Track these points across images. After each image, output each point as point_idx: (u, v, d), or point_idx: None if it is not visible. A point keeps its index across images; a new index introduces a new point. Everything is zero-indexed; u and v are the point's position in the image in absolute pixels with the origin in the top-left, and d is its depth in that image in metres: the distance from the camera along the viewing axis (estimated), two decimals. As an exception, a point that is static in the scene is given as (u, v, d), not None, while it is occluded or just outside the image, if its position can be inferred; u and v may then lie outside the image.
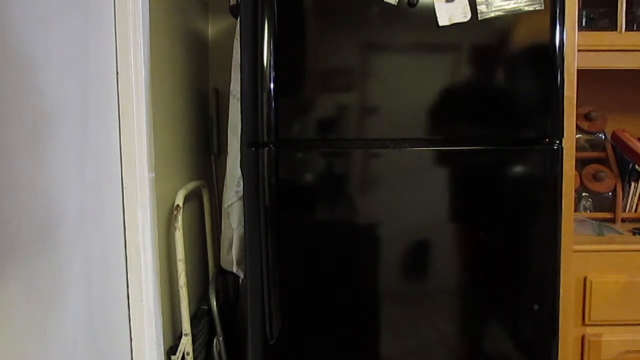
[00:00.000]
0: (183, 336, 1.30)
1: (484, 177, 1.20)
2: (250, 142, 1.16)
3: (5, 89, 0.69)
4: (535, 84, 1.19)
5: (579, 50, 1.31)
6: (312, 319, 1.21)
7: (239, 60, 1.16)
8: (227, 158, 1.39)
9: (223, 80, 1.60)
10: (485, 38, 1.17)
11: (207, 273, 1.64)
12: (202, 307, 1.51)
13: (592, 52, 1.52)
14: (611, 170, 1.76)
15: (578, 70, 1.31)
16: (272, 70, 1.12)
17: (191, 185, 1.42)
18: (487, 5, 1.15)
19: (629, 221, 1.74)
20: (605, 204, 1.77)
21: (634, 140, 1.75)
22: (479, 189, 1.21)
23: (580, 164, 1.78)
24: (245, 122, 1.16)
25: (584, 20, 1.69)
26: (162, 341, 1.18)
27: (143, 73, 1.09)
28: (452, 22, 1.14)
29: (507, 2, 1.15)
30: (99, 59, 1.00)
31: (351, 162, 1.19)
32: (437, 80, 1.17)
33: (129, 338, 1.11)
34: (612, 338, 1.42)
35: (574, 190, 1.35)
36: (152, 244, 1.13)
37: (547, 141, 1.20)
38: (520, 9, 1.16)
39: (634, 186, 1.75)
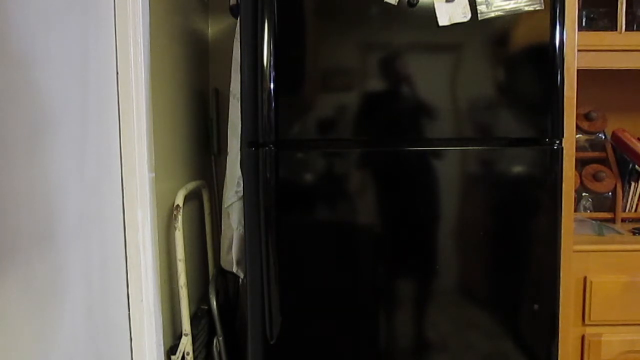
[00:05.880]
0: (183, 336, 1.30)
1: (484, 177, 1.20)
2: (250, 142, 1.16)
3: (5, 88, 0.69)
4: (535, 84, 1.19)
5: (579, 50, 1.30)
6: (312, 319, 1.21)
7: (239, 60, 1.16)
8: (227, 158, 1.39)
9: (223, 80, 1.60)
10: (485, 38, 1.17)
11: (207, 273, 1.64)
12: (202, 307, 1.51)
13: (592, 52, 1.52)
14: (611, 170, 1.76)
15: (578, 70, 1.31)
16: (272, 70, 1.12)
17: (191, 185, 1.42)
18: (487, 5, 1.15)
19: (629, 221, 1.74)
20: (605, 204, 1.77)
21: (634, 140, 1.75)
22: (479, 189, 1.21)
23: (580, 164, 1.78)
24: (245, 122, 1.16)
25: (584, 20, 1.68)
26: (162, 341, 1.18)
27: (143, 73, 1.08)
28: (452, 22, 1.14)
29: (507, 2, 1.15)
30: (99, 58, 1.00)
31: (351, 162, 1.19)
32: (437, 81, 1.17)
33: (129, 338, 1.11)
34: (612, 338, 1.42)
35: (574, 190, 1.35)
36: (152, 244, 1.13)
37: (547, 141, 1.20)
38: (520, 9, 1.16)
39: (634, 186, 1.75)
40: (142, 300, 1.11)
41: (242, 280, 1.45)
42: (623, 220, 1.74)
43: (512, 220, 1.21)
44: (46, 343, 0.80)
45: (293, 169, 1.17)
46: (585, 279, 1.40)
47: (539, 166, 1.21)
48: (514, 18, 1.16)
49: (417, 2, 1.14)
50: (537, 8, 1.16)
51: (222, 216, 1.45)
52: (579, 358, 1.43)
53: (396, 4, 1.14)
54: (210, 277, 1.60)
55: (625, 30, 1.56)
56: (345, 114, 1.17)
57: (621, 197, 1.74)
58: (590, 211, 1.77)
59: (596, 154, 1.81)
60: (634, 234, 1.57)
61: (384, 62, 1.17)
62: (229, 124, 1.39)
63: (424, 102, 1.17)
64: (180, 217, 1.27)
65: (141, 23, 1.07)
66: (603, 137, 1.83)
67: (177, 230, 1.27)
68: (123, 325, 1.09)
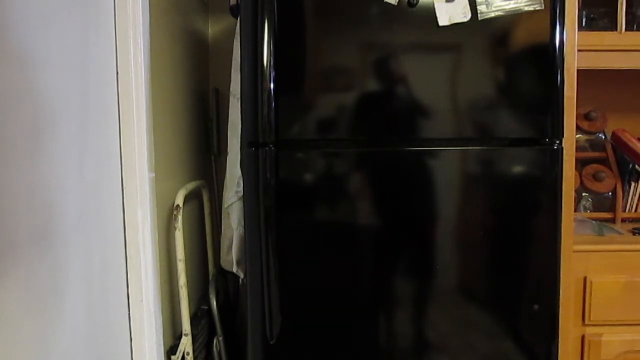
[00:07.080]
0: (183, 336, 1.30)
1: (484, 177, 1.20)
2: (250, 142, 1.16)
3: (5, 89, 0.69)
4: (535, 84, 1.19)
5: (579, 50, 1.30)
6: (312, 319, 1.21)
7: (239, 60, 1.16)
8: (227, 158, 1.39)
9: (223, 80, 1.60)
10: (485, 38, 1.17)
11: (207, 273, 1.64)
12: (202, 307, 1.51)
13: (592, 52, 1.52)
14: (611, 170, 1.76)
15: (578, 70, 1.31)
16: (272, 70, 1.12)
17: (191, 185, 1.42)
18: (487, 5, 1.15)
19: (629, 221, 1.74)
20: (605, 204, 1.77)
21: (634, 140, 1.75)
22: (479, 189, 1.21)
23: (580, 164, 1.78)
24: (245, 122, 1.16)
25: (584, 20, 1.69)
26: (162, 341, 1.18)
27: (143, 73, 1.08)
28: (452, 22, 1.14)
29: (507, 2, 1.15)
30: (99, 58, 1.00)
31: (351, 162, 1.19)
32: (437, 81, 1.17)
33: (129, 338, 1.11)
34: (612, 338, 1.42)
35: (574, 190, 1.35)
36: (152, 244, 1.13)
37: (547, 141, 1.20)
38: (520, 9, 1.16)
39: (634, 186, 1.75)
40: (142, 300, 1.11)
41: (242, 280, 1.45)
42: (623, 220, 1.74)
43: (512, 220, 1.21)
44: (46, 343, 0.80)
45: (293, 169, 1.17)
46: (585, 279, 1.40)
47: (539, 166, 1.21)
48: (514, 18, 1.16)
49: (417, 2, 1.14)
50: (537, 8, 1.16)
51: (222, 216, 1.45)
52: (579, 358, 1.43)
53: (396, 4, 1.14)
54: (210, 277, 1.60)
55: (625, 30, 1.56)
56: (346, 114, 1.17)
57: (621, 197, 1.74)
58: (590, 211, 1.77)
59: (596, 154, 1.81)
60: (634, 234, 1.57)
61: (384, 62, 1.17)
62: (229, 124, 1.39)
63: (424, 102, 1.17)
64: (180, 217, 1.27)
65: (141, 23, 1.07)
66: (603, 137, 1.83)
67: (177, 230, 1.27)
68: (123, 325, 1.09)
